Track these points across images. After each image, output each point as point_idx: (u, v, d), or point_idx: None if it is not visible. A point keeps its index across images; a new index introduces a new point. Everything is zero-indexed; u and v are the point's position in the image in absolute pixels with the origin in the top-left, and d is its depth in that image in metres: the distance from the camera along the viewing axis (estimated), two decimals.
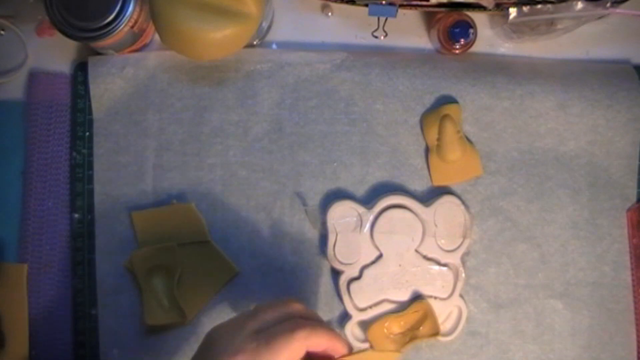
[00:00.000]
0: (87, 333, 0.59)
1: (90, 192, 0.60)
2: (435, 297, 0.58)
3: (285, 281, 0.59)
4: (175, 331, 0.59)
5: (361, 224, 0.58)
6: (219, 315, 0.59)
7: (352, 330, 0.58)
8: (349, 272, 0.58)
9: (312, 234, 0.59)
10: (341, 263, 0.58)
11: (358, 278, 0.58)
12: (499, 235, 0.60)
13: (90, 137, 0.60)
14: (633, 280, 0.60)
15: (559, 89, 0.60)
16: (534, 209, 0.60)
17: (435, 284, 0.58)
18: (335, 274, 0.59)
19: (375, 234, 0.58)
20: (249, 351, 0.43)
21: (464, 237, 0.59)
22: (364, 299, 0.58)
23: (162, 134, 0.60)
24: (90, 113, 0.60)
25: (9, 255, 0.60)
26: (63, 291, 0.60)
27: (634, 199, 0.61)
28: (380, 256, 0.59)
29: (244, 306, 0.59)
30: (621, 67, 0.62)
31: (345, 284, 0.58)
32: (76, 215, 0.60)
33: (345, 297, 0.58)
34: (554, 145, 0.60)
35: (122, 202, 0.60)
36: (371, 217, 0.58)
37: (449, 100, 0.60)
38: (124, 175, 0.60)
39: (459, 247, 0.59)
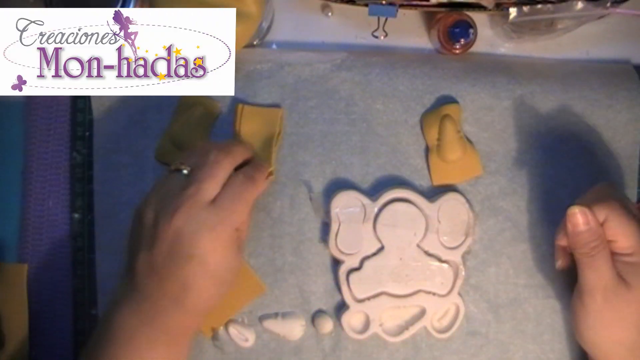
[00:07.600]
0: (87, 333, 0.59)
1: (90, 192, 0.60)
2: (434, 293, 0.58)
3: (285, 281, 0.59)
4: None
5: (365, 215, 0.58)
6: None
7: (349, 321, 0.58)
8: (349, 262, 0.58)
9: (313, 233, 0.59)
10: (342, 252, 0.58)
11: (358, 269, 0.58)
12: (499, 235, 0.60)
13: (90, 137, 0.60)
14: None
15: (559, 89, 0.60)
16: (534, 209, 0.60)
17: (435, 280, 0.58)
18: (336, 264, 0.59)
19: (378, 226, 0.58)
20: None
21: (467, 236, 0.59)
22: (362, 290, 0.58)
23: (162, 134, 0.60)
24: (90, 113, 0.60)
25: (9, 255, 0.60)
26: (63, 291, 0.60)
27: (634, 199, 0.60)
28: (381, 248, 0.58)
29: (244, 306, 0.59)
30: (621, 67, 0.62)
31: (344, 274, 0.58)
32: (76, 215, 0.60)
33: (344, 287, 0.58)
34: (554, 145, 0.60)
35: (122, 202, 0.60)
36: (375, 209, 0.58)
37: (449, 100, 0.60)
38: (124, 175, 0.60)
39: (460, 245, 0.59)
